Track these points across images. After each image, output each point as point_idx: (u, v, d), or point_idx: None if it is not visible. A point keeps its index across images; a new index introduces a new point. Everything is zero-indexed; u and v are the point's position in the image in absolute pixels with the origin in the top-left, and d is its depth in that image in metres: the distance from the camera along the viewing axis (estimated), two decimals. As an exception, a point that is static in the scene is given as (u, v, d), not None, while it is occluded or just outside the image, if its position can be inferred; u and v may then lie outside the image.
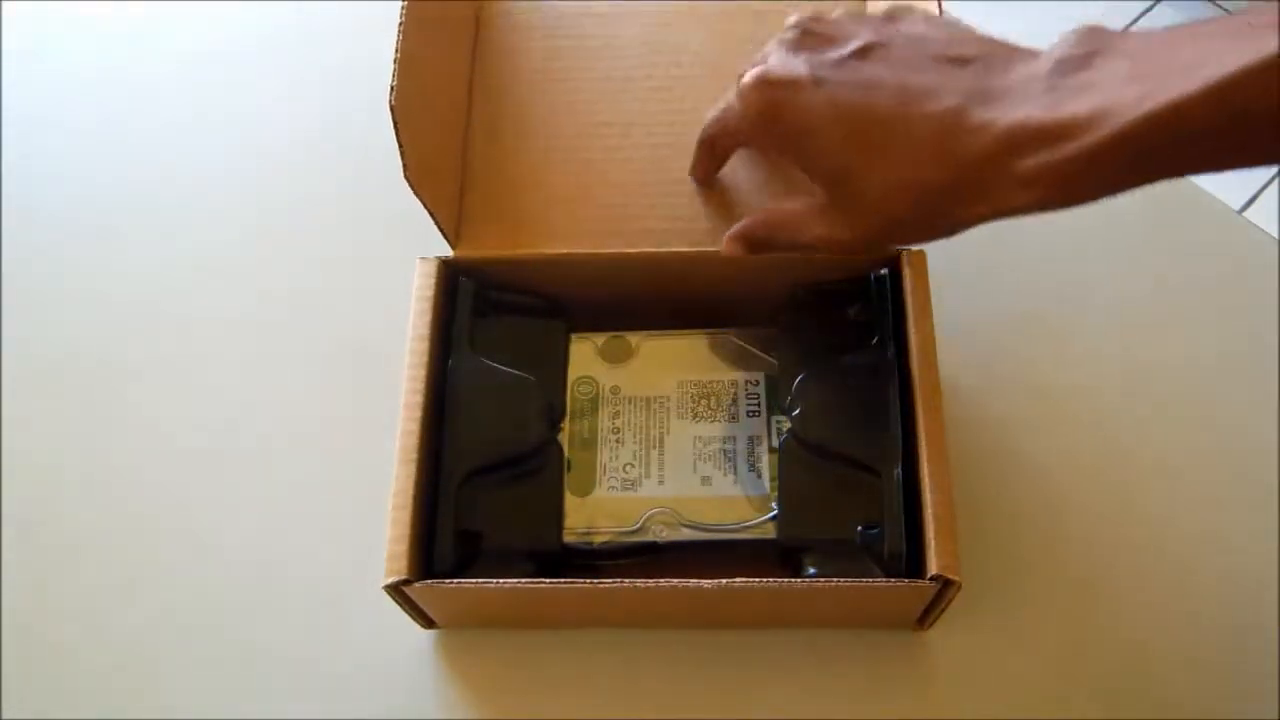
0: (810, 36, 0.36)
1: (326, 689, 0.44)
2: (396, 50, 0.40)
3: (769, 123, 0.36)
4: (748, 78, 0.37)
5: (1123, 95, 0.29)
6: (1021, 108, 0.31)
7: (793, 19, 0.37)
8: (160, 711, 0.44)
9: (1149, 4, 1.47)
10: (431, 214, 0.42)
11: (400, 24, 0.40)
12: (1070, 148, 0.29)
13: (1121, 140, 0.28)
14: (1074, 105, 0.30)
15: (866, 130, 0.33)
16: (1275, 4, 0.27)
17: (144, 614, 0.46)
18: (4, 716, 0.44)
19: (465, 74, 0.50)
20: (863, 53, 0.35)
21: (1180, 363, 0.49)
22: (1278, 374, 0.48)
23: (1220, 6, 1.45)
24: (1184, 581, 0.45)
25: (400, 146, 0.39)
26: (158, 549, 0.47)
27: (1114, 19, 1.45)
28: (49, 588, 0.47)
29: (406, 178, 0.40)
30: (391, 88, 0.38)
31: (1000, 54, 0.34)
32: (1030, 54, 0.33)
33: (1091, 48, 0.31)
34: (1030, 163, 0.30)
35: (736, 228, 0.41)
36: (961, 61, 0.33)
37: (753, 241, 0.41)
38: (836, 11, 0.38)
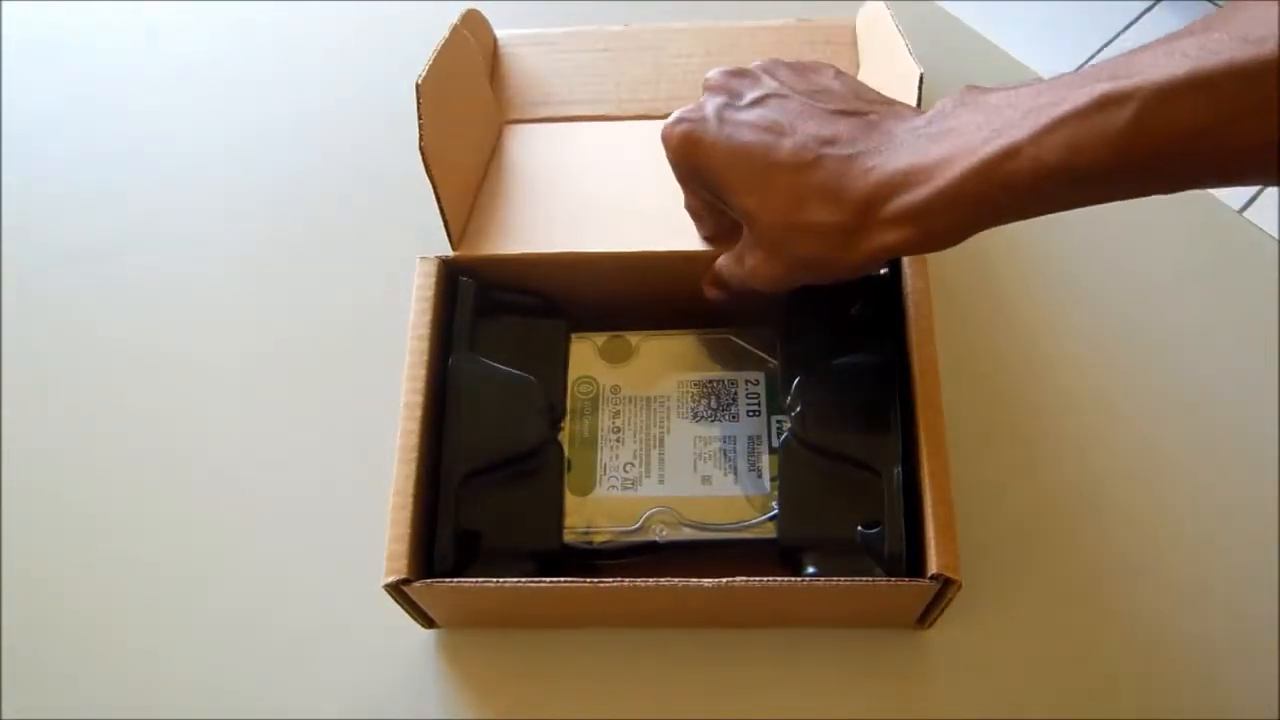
0: (727, 82, 0.39)
1: (326, 689, 0.44)
2: (436, 52, 0.42)
3: (684, 160, 0.39)
4: (669, 118, 0.39)
5: (971, 140, 0.32)
6: (897, 156, 0.34)
7: (715, 71, 0.40)
8: (159, 711, 0.44)
9: (1149, 4, 1.47)
10: (436, 195, 0.42)
11: (452, 26, 0.44)
12: (925, 190, 0.32)
13: (965, 181, 0.31)
14: (934, 151, 0.33)
15: (763, 173, 0.36)
16: (1131, 52, 0.30)
17: (143, 614, 0.46)
18: (4, 717, 0.44)
19: (485, 117, 0.51)
20: (767, 100, 0.37)
21: (1180, 363, 0.49)
22: (1277, 374, 0.48)
23: (1219, 6, 1.45)
24: (1184, 581, 0.45)
25: (419, 119, 0.40)
26: (158, 549, 0.47)
27: (1114, 19, 1.45)
28: (49, 587, 0.47)
29: (420, 148, 0.40)
30: (421, 75, 0.40)
31: (891, 110, 0.36)
32: (915, 111, 0.36)
33: (962, 101, 0.34)
34: (895, 204, 0.33)
35: (706, 275, 0.43)
36: (856, 115, 0.36)
37: (719, 284, 0.42)
38: (756, 62, 0.40)
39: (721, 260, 0.42)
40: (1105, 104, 0.29)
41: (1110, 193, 0.31)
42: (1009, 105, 0.32)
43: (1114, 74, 0.29)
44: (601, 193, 0.47)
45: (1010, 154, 0.30)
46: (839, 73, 0.39)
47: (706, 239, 0.44)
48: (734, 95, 0.38)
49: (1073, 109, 0.29)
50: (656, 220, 0.45)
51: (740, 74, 0.39)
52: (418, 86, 0.40)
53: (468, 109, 0.48)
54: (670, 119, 0.39)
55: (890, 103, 0.37)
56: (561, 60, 0.54)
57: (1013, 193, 0.31)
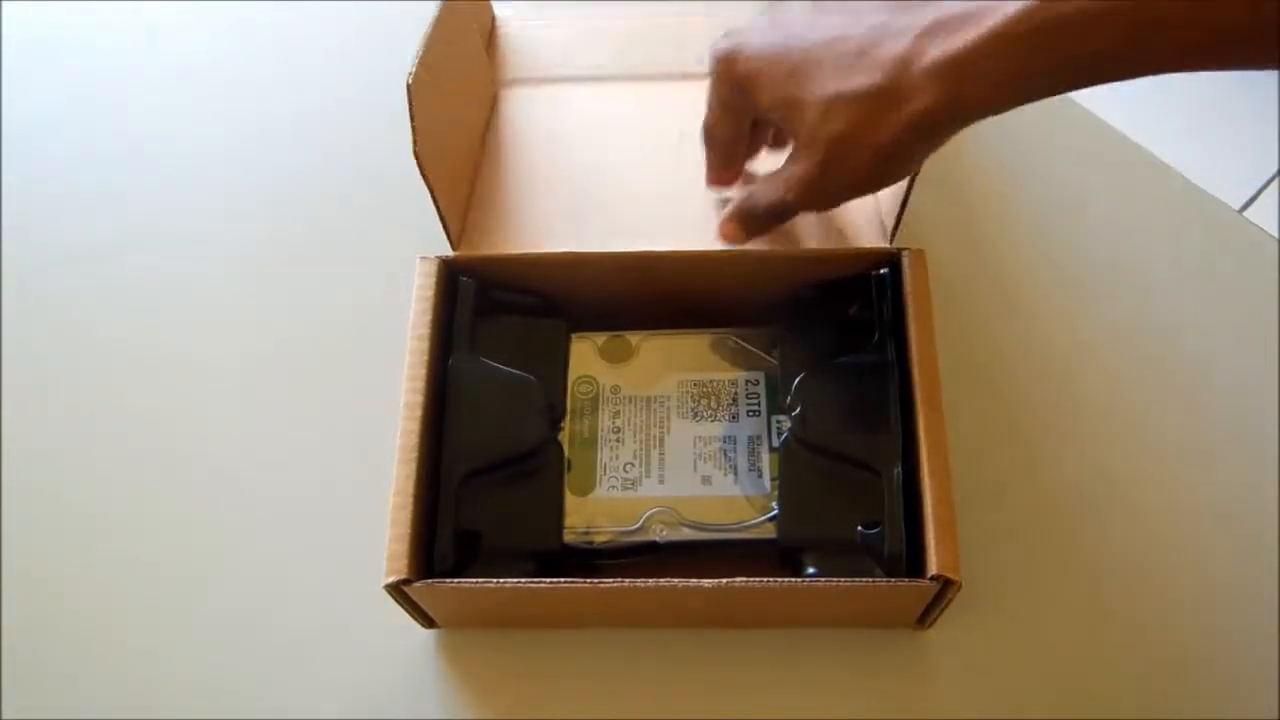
0: (769, 10, 0.40)
1: (326, 689, 0.44)
2: (422, 48, 0.41)
3: (730, 75, 0.39)
4: (718, 38, 0.40)
5: None
6: (931, 11, 0.34)
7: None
8: (159, 711, 0.44)
9: None
10: (433, 197, 0.42)
11: (434, 19, 0.42)
12: (962, 36, 0.32)
13: (1010, 24, 0.31)
14: (972, 4, 0.32)
15: (805, 59, 0.36)
16: None
17: (143, 614, 0.46)
18: (4, 717, 0.44)
19: (480, 94, 0.50)
20: (805, 8, 0.38)
21: (1181, 362, 0.49)
22: (1277, 373, 0.48)
23: (1220, 7, 1.45)
24: (1184, 580, 0.45)
25: (413, 123, 0.39)
26: (158, 548, 0.47)
27: (1114, 19, 1.45)
28: (49, 587, 0.47)
29: (415, 154, 0.40)
30: (411, 73, 0.40)
31: None
32: None
33: None
34: (931, 55, 0.33)
35: (727, 210, 0.43)
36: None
37: (743, 217, 0.42)
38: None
39: (755, 187, 0.41)
40: None
41: (1163, 51, 0.30)
42: None
43: None
44: (603, 162, 0.48)
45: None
46: None
47: (721, 175, 0.44)
48: (775, 14, 0.39)
49: None
50: (658, 190, 0.46)
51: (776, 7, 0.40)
52: (408, 88, 0.39)
53: (463, 87, 0.48)
54: (718, 39, 0.40)
55: None
56: (559, 26, 0.55)
57: (1056, 37, 0.30)
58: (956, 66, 0.32)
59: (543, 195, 0.48)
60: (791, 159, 0.39)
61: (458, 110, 0.47)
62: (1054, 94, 0.33)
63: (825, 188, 0.38)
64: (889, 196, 0.45)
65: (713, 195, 0.46)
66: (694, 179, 0.46)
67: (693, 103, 0.43)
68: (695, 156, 0.45)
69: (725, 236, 0.43)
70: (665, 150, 0.48)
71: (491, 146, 0.50)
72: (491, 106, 0.51)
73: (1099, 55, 0.31)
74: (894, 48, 0.34)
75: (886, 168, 0.37)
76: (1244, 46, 0.30)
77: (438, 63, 0.42)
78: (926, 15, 0.34)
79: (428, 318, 0.42)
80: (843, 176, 0.37)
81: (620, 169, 0.48)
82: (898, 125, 0.34)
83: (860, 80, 0.34)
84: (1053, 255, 0.52)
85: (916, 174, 0.40)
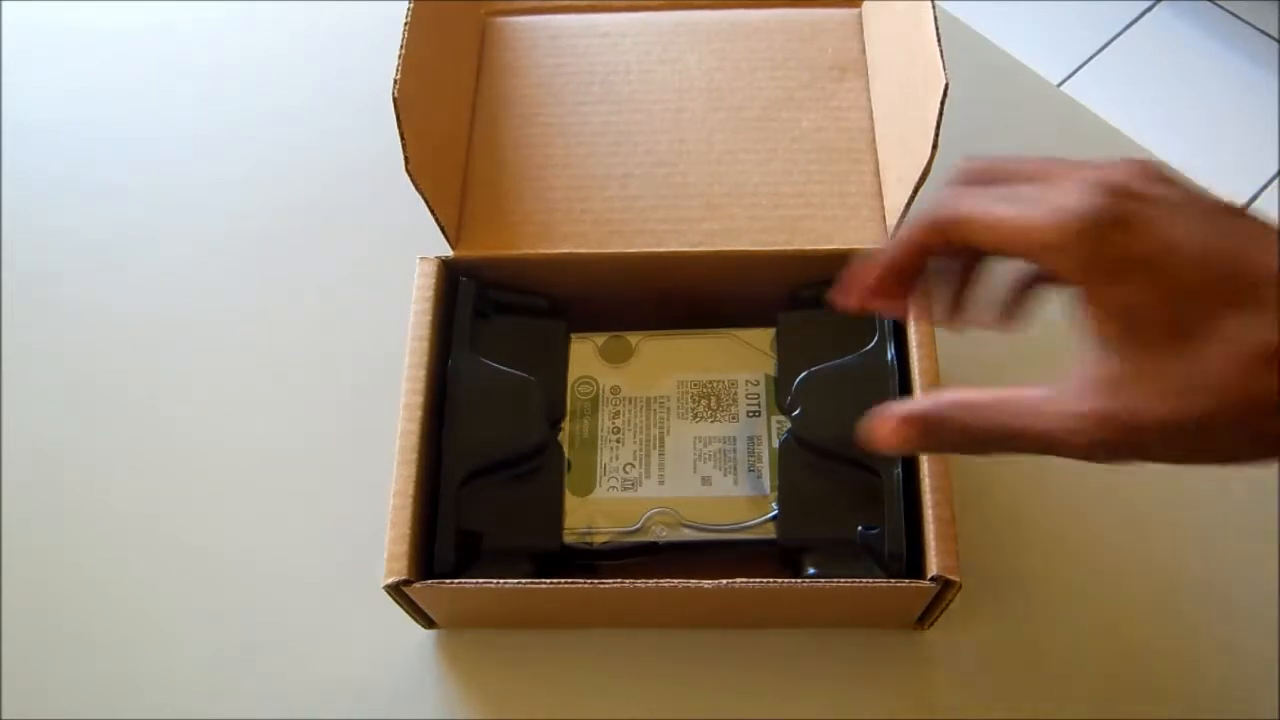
0: (1109, 182, 0.28)
1: (327, 689, 0.44)
2: (402, 47, 0.40)
3: (1108, 240, 0.27)
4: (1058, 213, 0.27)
5: None
6: None
7: (1080, 179, 0.29)
8: (159, 711, 0.44)
9: (1149, 4, 1.47)
10: (431, 209, 0.42)
11: (406, 23, 0.40)
12: None
13: None
14: None
15: (1235, 273, 0.25)
16: None
17: (143, 614, 0.46)
18: (4, 717, 0.44)
19: (469, 81, 0.50)
20: (1196, 196, 0.27)
21: (1180, 363, 0.49)
22: (1278, 374, 0.48)
23: (1222, 7, 1.45)
24: (1183, 581, 0.45)
25: (402, 139, 0.39)
26: (157, 549, 0.47)
27: (1114, 19, 1.45)
28: (48, 587, 0.47)
29: (407, 170, 0.40)
30: (395, 81, 0.39)
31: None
32: None
33: None
34: None
35: (915, 408, 0.30)
36: (1235, 213, 0.27)
37: (931, 428, 0.29)
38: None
39: (1002, 400, 0.29)
40: None
41: None
42: None
43: None
44: (602, 104, 0.47)
45: None
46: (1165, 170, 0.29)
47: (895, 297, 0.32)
48: (1134, 188, 0.27)
49: None
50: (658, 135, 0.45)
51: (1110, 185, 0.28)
52: (394, 100, 0.38)
53: (449, 76, 0.48)
54: (1058, 212, 0.28)
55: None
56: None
57: None
58: None
59: (540, 173, 0.47)
60: (1107, 389, 0.27)
61: (446, 104, 0.47)
62: None
63: (1150, 443, 0.26)
64: (890, 196, 0.45)
65: (713, 191, 0.46)
66: (694, 153, 0.46)
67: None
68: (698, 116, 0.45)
69: (879, 439, 0.30)
70: (663, 149, 0.48)
71: (486, 96, 0.49)
72: (480, 36, 0.51)
73: None
74: None
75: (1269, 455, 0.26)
76: None
77: (420, 63, 0.41)
78: None
79: (428, 318, 0.42)
80: (1192, 443, 0.26)
81: (619, 164, 0.48)
82: None
83: None
84: (1053, 255, 0.52)
85: (925, 179, 0.40)
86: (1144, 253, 0.26)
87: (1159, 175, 0.28)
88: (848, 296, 0.32)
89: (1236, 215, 0.27)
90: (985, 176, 0.32)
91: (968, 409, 0.29)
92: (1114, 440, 0.27)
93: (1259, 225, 0.26)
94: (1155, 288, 0.26)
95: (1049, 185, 0.30)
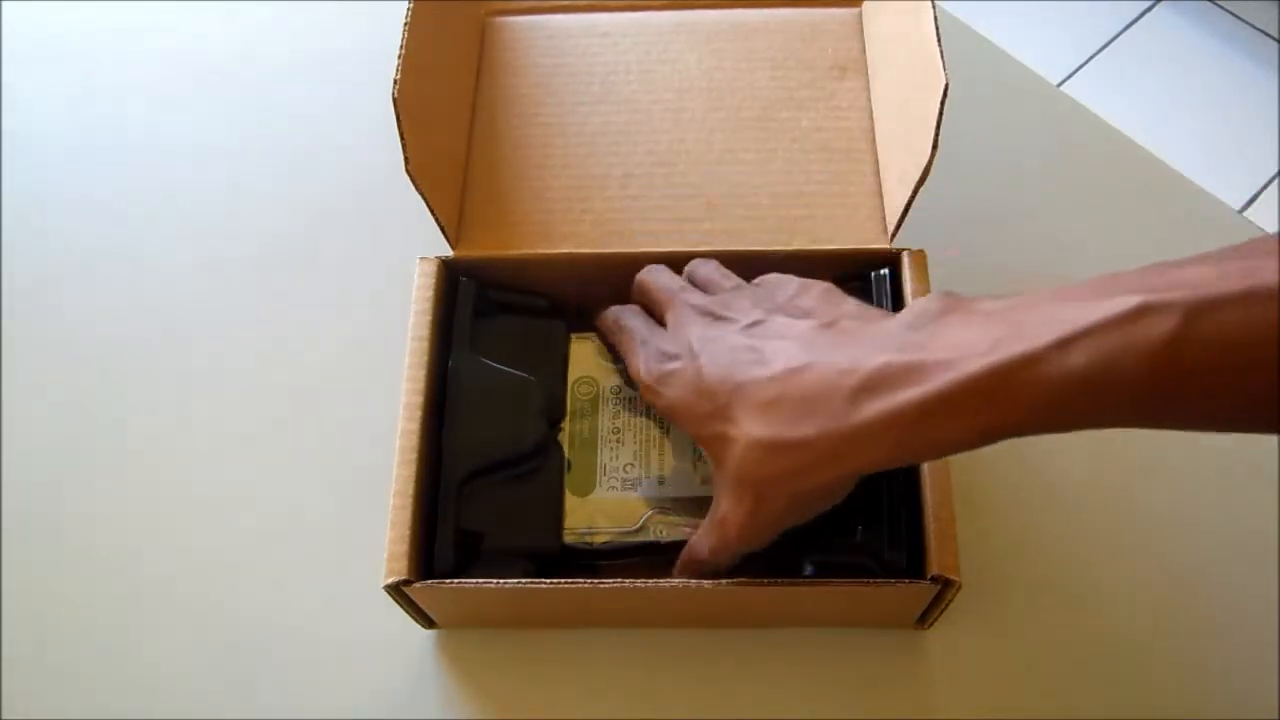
0: (706, 312, 0.38)
1: (327, 689, 0.44)
2: (402, 47, 0.40)
3: (658, 398, 0.38)
4: (646, 367, 0.39)
5: (974, 345, 0.30)
6: (877, 356, 0.32)
7: (694, 300, 0.39)
8: (160, 711, 0.44)
9: (1149, 4, 1.47)
10: (431, 209, 0.42)
11: (406, 23, 0.41)
12: (916, 392, 0.30)
13: (969, 386, 0.29)
14: (926, 353, 0.31)
15: (732, 395, 0.34)
16: (1146, 267, 0.29)
17: (143, 614, 0.46)
18: (4, 717, 0.44)
19: (469, 81, 0.50)
20: (747, 328, 0.37)
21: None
22: (1278, 374, 0.48)
23: (1222, 7, 1.45)
24: (1184, 580, 0.45)
25: (402, 139, 0.39)
26: (157, 549, 0.47)
27: (1114, 19, 1.45)
28: (48, 588, 0.47)
29: (408, 171, 0.40)
30: (395, 81, 0.39)
31: (867, 316, 0.35)
32: (887, 314, 0.35)
33: (946, 306, 0.32)
34: (880, 406, 0.31)
35: (677, 565, 0.40)
36: (828, 326, 0.35)
37: (692, 569, 0.39)
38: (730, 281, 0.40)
39: (695, 538, 0.38)
40: (1145, 312, 0.27)
41: (1131, 414, 0.29)
42: (1017, 312, 0.30)
43: (1145, 285, 0.28)
44: (601, 104, 0.48)
45: (1031, 360, 0.28)
46: (801, 282, 0.39)
47: None
48: (718, 324, 0.37)
49: (1104, 318, 0.28)
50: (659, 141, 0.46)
51: (723, 302, 0.39)
52: (394, 100, 0.39)
53: (449, 74, 0.48)
54: (645, 369, 0.39)
55: (863, 310, 0.36)
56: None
57: (1028, 402, 0.29)
58: (903, 421, 0.30)
59: (539, 173, 0.47)
60: (721, 497, 0.36)
61: (446, 104, 0.47)
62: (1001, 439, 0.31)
63: (759, 526, 0.35)
64: (890, 196, 0.45)
65: (713, 191, 0.46)
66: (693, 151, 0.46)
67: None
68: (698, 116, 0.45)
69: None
70: (663, 150, 0.48)
71: (486, 96, 0.49)
72: (480, 35, 0.51)
73: (1044, 420, 0.30)
74: (831, 400, 0.32)
75: (817, 506, 0.35)
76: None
77: (420, 63, 0.42)
78: (866, 360, 0.32)
79: (428, 318, 0.42)
80: (774, 516, 0.35)
81: (619, 165, 0.48)
82: (832, 474, 0.32)
83: (795, 431, 0.32)
84: (1052, 255, 0.52)
85: (925, 179, 0.40)
86: (663, 409, 0.38)
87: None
88: None
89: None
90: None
91: (692, 549, 0.38)
92: (732, 540, 0.36)
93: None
94: (684, 429, 0.38)
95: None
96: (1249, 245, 0.29)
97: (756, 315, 0.37)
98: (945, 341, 0.31)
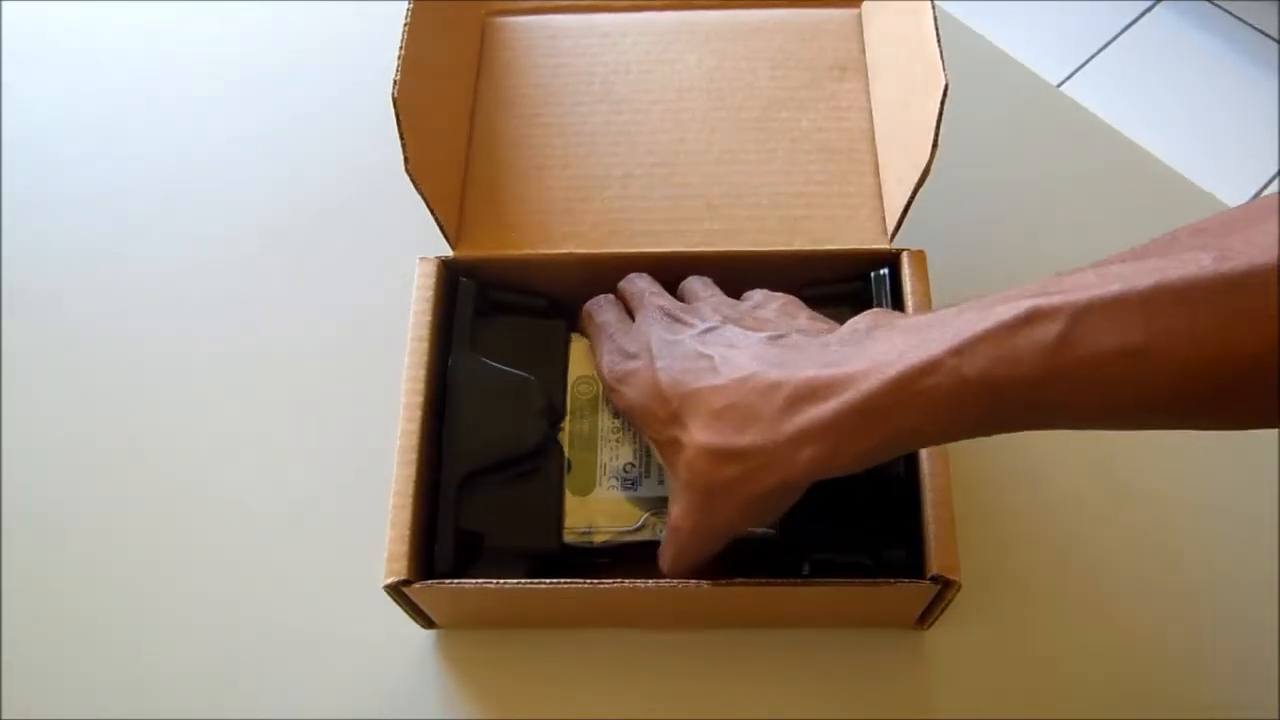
0: (667, 314, 0.40)
1: (327, 689, 0.44)
2: (402, 47, 0.40)
3: (619, 399, 0.40)
4: (610, 365, 0.41)
5: (887, 355, 0.31)
6: (806, 370, 0.33)
7: (660, 302, 0.41)
8: (159, 711, 0.44)
9: (1149, 4, 1.47)
10: (431, 210, 0.42)
11: (406, 23, 0.41)
12: (832, 404, 0.31)
13: (879, 394, 0.31)
14: (846, 366, 0.32)
15: (683, 401, 0.36)
16: (1046, 276, 0.30)
17: (143, 614, 0.46)
18: (4, 717, 0.44)
19: (469, 81, 0.50)
20: (702, 334, 0.38)
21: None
22: (1278, 374, 0.48)
23: (1221, 7, 1.45)
24: (1184, 581, 0.45)
25: (401, 139, 0.39)
26: (157, 549, 0.47)
27: (1114, 19, 1.45)
28: (48, 588, 0.47)
29: (407, 170, 0.40)
30: (395, 81, 0.39)
31: (814, 330, 0.37)
32: (828, 328, 0.37)
33: (876, 324, 0.34)
34: (805, 417, 0.32)
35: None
36: (777, 339, 0.36)
37: (675, 571, 0.39)
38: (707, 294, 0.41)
39: (659, 549, 0.40)
40: (1033, 318, 0.29)
41: (1028, 416, 0.30)
42: (927, 325, 0.31)
43: (1041, 291, 0.29)
44: (601, 104, 0.48)
45: (929, 368, 0.30)
46: (784, 302, 0.40)
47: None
48: (676, 329, 0.39)
49: (997, 324, 0.29)
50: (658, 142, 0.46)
51: (688, 309, 0.40)
52: (394, 100, 0.39)
53: (448, 73, 0.48)
54: (608, 366, 0.40)
55: (814, 322, 0.38)
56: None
57: (929, 409, 0.30)
58: (830, 430, 0.31)
59: (539, 173, 0.47)
60: (673, 503, 0.38)
61: (446, 104, 0.47)
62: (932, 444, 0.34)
63: (710, 530, 0.36)
64: (890, 197, 0.45)
65: (713, 191, 0.46)
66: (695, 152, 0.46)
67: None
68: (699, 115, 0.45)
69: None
70: (663, 150, 0.48)
71: (486, 96, 0.49)
72: (480, 36, 0.51)
73: (949, 425, 0.31)
74: (766, 411, 0.33)
75: (768, 512, 0.36)
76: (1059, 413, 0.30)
77: (420, 63, 0.42)
78: (798, 373, 0.33)
79: (428, 318, 0.42)
80: (723, 521, 0.36)
81: (619, 165, 0.48)
82: (771, 481, 0.33)
83: (733, 438, 0.34)
84: (1052, 255, 0.52)
85: (925, 179, 0.40)
86: (622, 409, 0.40)
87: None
88: None
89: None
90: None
91: (660, 556, 0.39)
92: (683, 545, 0.37)
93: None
94: (642, 428, 0.39)
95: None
96: (1145, 247, 0.30)
97: (713, 322, 0.38)
98: (865, 355, 0.32)
